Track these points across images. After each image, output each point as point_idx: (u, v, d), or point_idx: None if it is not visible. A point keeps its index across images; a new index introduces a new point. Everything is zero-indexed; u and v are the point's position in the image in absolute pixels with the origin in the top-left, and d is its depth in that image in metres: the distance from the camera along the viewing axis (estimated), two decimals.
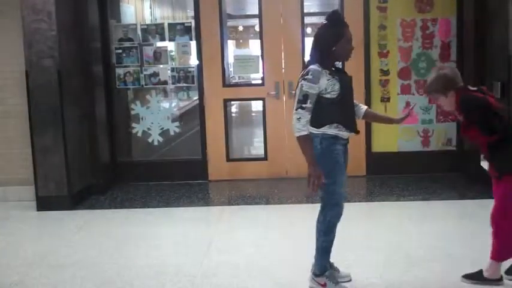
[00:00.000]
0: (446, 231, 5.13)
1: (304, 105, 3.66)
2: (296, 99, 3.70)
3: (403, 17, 7.00)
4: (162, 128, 7.25)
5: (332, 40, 3.71)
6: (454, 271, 4.20)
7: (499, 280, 3.95)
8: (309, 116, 3.68)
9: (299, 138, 3.70)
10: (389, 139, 7.11)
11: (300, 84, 3.69)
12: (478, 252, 4.32)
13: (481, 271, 3.97)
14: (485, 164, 3.93)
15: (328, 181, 3.72)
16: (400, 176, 6.93)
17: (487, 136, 3.71)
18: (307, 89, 3.66)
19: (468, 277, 4.01)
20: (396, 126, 6.92)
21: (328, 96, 3.68)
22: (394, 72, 7.07)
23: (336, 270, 4.10)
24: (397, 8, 6.98)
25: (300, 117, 3.67)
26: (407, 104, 7.03)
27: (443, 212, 5.72)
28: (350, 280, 4.10)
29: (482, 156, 3.92)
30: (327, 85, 3.67)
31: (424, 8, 6.99)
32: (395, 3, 6.97)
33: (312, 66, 3.70)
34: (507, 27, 5.77)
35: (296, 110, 3.68)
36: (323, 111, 3.70)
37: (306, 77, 3.67)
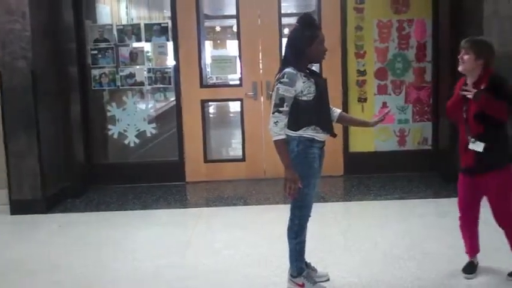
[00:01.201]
0: (423, 229, 5.17)
1: (281, 109, 3.65)
2: (272, 103, 3.68)
3: (379, 18, 7.04)
4: (139, 130, 7.18)
5: (306, 42, 3.70)
6: (430, 269, 4.25)
7: None
8: (286, 120, 3.68)
9: (276, 142, 3.69)
10: (366, 139, 7.15)
11: (276, 87, 3.68)
12: (454, 249, 4.37)
13: None
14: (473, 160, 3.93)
15: (301, 184, 3.73)
16: (377, 176, 6.98)
17: (507, 111, 3.74)
18: (284, 92, 3.65)
19: None
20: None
21: (304, 98, 3.68)
22: (370, 72, 7.11)
23: (314, 270, 4.11)
24: (373, 9, 7.02)
25: (277, 121, 3.66)
26: (384, 104, 7.08)
27: (420, 210, 5.75)
28: (328, 280, 4.11)
29: (473, 143, 3.89)
30: (303, 87, 3.67)
31: (400, 9, 7.04)
32: (371, 4, 7.01)
33: (287, 69, 3.68)
34: (482, 27, 5.84)
35: (273, 113, 3.67)
36: (300, 113, 3.69)
37: (281, 80, 3.66)
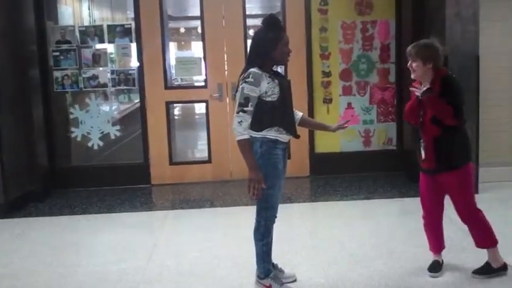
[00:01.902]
0: (388, 228, 5.21)
1: (245, 109, 3.63)
2: (237, 102, 3.66)
3: (343, 19, 7.09)
4: (103, 132, 7.09)
5: (270, 44, 3.69)
6: (397, 268, 4.28)
7: (505, 267, 4.09)
8: (250, 120, 3.66)
9: (240, 141, 3.67)
10: (331, 139, 7.17)
11: (241, 87, 3.66)
12: (420, 248, 4.41)
13: (488, 263, 4.08)
14: (426, 161, 4.00)
15: (266, 185, 3.72)
16: (343, 176, 7.03)
17: (455, 118, 3.79)
18: (249, 91, 3.63)
19: (478, 272, 4.09)
20: None
21: (268, 99, 3.67)
22: (335, 73, 7.15)
23: (281, 271, 4.10)
24: (337, 11, 7.07)
25: (241, 121, 3.64)
26: (349, 105, 7.13)
27: (385, 210, 5.81)
28: (295, 280, 4.10)
29: (423, 150, 3.97)
30: (267, 88, 3.66)
31: (364, 10, 7.10)
32: (335, 5, 7.05)
33: (252, 69, 3.66)
34: (444, 28, 5.92)
35: (237, 113, 3.65)
36: (263, 114, 3.68)
37: (247, 80, 3.64)
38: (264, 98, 3.66)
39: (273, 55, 3.71)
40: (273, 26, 3.73)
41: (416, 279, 4.09)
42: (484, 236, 4.05)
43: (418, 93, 3.84)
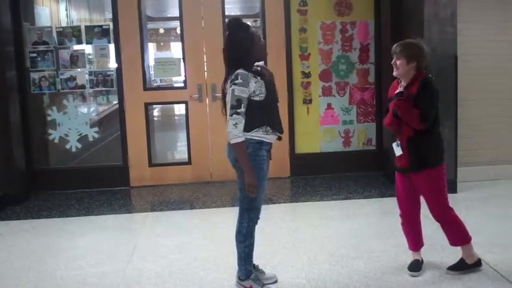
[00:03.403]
0: (368, 228, 5.23)
1: (239, 110, 3.61)
2: (229, 105, 3.62)
3: (323, 20, 7.10)
4: (81, 134, 7.02)
5: (247, 43, 3.70)
6: (377, 267, 4.30)
7: (479, 263, 4.15)
8: (243, 121, 3.64)
9: (235, 145, 3.65)
10: (311, 140, 7.20)
11: (231, 89, 3.62)
12: (399, 247, 4.42)
13: (462, 260, 4.12)
14: (400, 160, 4.03)
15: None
16: (323, 176, 7.04)
17: (420, 123, 3.83)
18: (240, 93, 3.61)
19: (453, 268, 4.14)
20: (318, 127, 7.09)
21: (256, 98, 3.66)
22: (315, 74, 7.16)
23: (262, 272, 4.09)
24: (317, 12, 7.08)
25: (236, 123, 3.61)
26: (329, 106, 7.15)
27: (365, 210, 5.83)
28: (276, 281, 4.10)
29: (397, 147, 4.00)
30: (255, 87, 3.66)
31: (343, 11, 7.12)
32: (315, 6, 7.06)
33: (239, 70, 3.65)
34: (422, 28, 5.96)
35: (231, 116, 3.61)
36: (253, 114, 3.67)
37: (236, 82, 3.62)
38: (253, 98, 3.66)
39: (253, 52, 3.72)
40: (239, 27, 3.75)
41: (396, 278, 4.11)
42: (457, 234, 4.10)
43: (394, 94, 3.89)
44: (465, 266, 4.12)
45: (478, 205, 5.81)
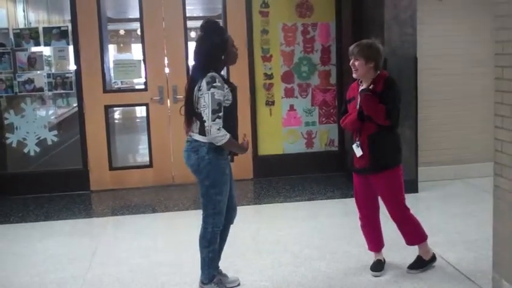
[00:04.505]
0: (331, 229, 5.24)
1: (220, 114, 3.57)
2: (210, 109, 3.54)
3: (284, 21, 7.11)
4: (39, 138, 6.87)
5: (221, 48, 3.67)
6: (340, 268, 4.31)
7: (435, 258, 4.22)
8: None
9: (225, 143, 3.61)
10: (274, 142, 7.20)
11: (210, 93, 3.55)
12: (362, 247, 4.43)
13: (419, 257, 4.18)
14: (359, 161, 4.06)
15: (214, 191, 3.71)
16: (286, 178, 7.04)
17: (386, 119, 3.85)
18: (219, 96, 3.57)
19: (413, 267, 4.18)
20: (280, 129, 7.09)
21: (224, 104, 3.63)
22: (277, 76, 7.16)
23: (225, 276, 4.05)
24: (278, 13, 7.08)
25: (219, 128, 3.57)
26: (291, 107, 7.16)
27: (328, 211, 5.85)
28: (239, 285, 4.08)
29: (357, 148, 4.02)
30: (226, 93, 3.63)
31: (304, 13, 7.14)
32: (276, 8, 7.06)
33: (213, 74, 3.60)
34: (383, 30, 6.01)
35: (214, 120, 3.55)
36: None
37: (214, 85, 3.56)
38: (223, 103, 3.62)
39: (225, 58, 3.70)
40: (215, 30, 3.71)
41: (359, 278, 4.12)
42: (414, 233, 4.16)
43: (360, 90, 3.91)
44: (423, 263, 4.19)
45: (438, 204, 5.89)
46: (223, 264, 4.09)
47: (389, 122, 3.90)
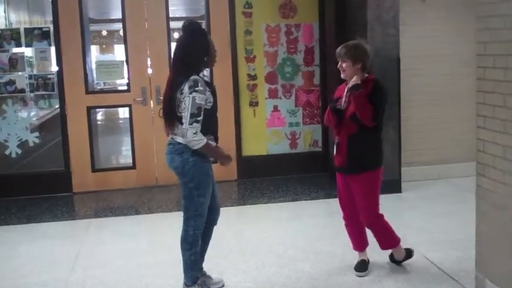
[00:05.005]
0: (315, 229, 5.25)
1: (198, 119, 3.55)
2: (188, 113, 3.53)
3: (267, 22, 7.10)
4: (21, 139, 6.79)
5: (203, 51, 3.66)
6: (324, 268, 4.32)
7: (410, 254, 4.29)
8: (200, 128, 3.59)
9: (202, 148, 3.60)
10: (258, 143, 7.19)
11: (191, 96, 3.53)
12: (346, 247, 4.44)
13: (393, 258, 4.28)
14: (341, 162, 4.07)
15: (197, 193, 3.70)
16: (270, 179, 7.04)
17: (372, 120, 3.87)
18: (200, 101, 3.55)
19: (392, 261, 4.30)
20: (264, 129, 7.12)
21: (206, 107, 3.62)
22: (261, 76, 7.15)
23: (209, 277, 4.04)
24: (261, 14, 7.07)
25: (196, 132, 3.55)
26: (275, 108, 7.16)
27: (312, 211, 5.86)
28: (223, 286, 4.06)
29: (337, 147, 4.04)
30: (208, 96, 3.62)
31: (288, 13, 7.14)
32: (259, 8, 7.06)
33: (195, 77, 3.59)
34: (366, 31, 6.03)
35: (191, 124, 3.53)
36: (202, 122, 3.60)
37: (196, 89, 3.54)
38: (204, 106, 3.61)
39: (207, 61, 3.70)
40: (197, 32, 3.70)
41: (343, 278, 4.13)
42: (386, 239, 4.19)
43: (349, 84, 3.90)
44: (398, 262, 4.28)
45: (421, 204, 5.92)
46: (207, 266, 4.07)
47: (375, 123, 3.91)
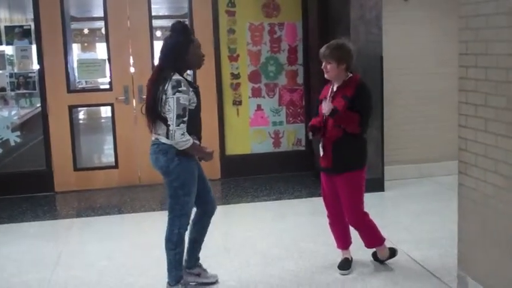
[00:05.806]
0: (299, 228, 5.25)
1: (184, 119, 3.55)
2: (174, 114, 3.52)
3: (251, 21, 7.09)
4: (2, 139, 6.69)
5: (183, 48, 3.65)
6: (308, 267, 4.33)
7: (394, 254, 4.31)
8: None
9: (188, 148, 3.60)
10: (242, 141, 7.18)
11: (175, 97, 3.53)
12: (330, 246, 4.46)
13: (376, 256, 4.30)
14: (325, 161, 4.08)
15: (183, 192, 3.69)
16: (254, 178, 7.04)
17: (358, 124, 3.89)
18: (185, 101, 3.55)
19: (376, 259, 4.32)
20: (248, 128, 7.11)
21: (190, 108, 3.61)
22: (244, 75, 7.14)
23: (205, 270, 4.10)
24: (245, 12, 7.06)
25: (183, 133, 3.55)
26: (259, 107, 7.15)
27: (296, 210, 5.86)
28: (217, 281, 4.09)
29: (322, 148, 4.05)
30: (191, 96, 3.62)
31: (271, 12, 7.14)
32: (243, 7, 7.05)
33: (178, 77, 3.58)
34: (349, 30, 6.05)
35: (178, 125, 3.53)
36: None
37: (180, 89, 3.54)
38: (188, 106, 3.60)
39: (187, 59, 3.68)
40: (181, 31, 3.70)
41: (326, 277, 4.14)
42: (370, 237, 4.21)
43: (325, 112, 3.89)
44: (381, 261, 4.30)
45: (404, 202, 5.95)
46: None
47: (361, 129, 3.94)
